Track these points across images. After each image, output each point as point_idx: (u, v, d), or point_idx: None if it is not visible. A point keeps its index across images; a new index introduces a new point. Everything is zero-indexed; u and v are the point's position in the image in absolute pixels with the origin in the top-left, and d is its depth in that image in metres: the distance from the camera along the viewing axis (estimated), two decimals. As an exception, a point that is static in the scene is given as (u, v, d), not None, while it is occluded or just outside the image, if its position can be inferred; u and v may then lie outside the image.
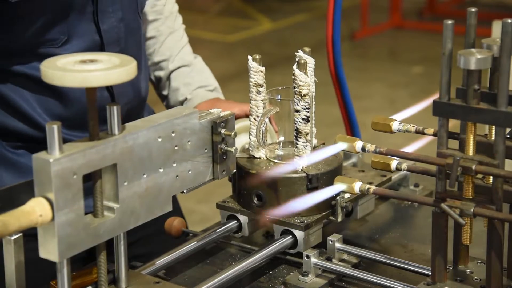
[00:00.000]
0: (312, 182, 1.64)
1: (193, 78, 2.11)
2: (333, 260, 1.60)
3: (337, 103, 2.12)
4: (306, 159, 1.66)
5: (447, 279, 1.46)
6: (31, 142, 1.80)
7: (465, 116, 1.37)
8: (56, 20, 1.72)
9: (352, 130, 2.14)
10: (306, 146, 1.67)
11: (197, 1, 9.36)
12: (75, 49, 1.75)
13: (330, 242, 1.61)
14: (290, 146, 1.73)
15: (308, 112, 1.65)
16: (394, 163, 1.49)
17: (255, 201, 1.67)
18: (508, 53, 1.32)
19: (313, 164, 1.67)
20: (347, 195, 1.67)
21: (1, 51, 1.74)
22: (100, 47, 1.80)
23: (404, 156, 1.46)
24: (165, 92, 2.11)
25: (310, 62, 1.68)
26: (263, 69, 1.68)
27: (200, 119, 1.52)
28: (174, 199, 2.16)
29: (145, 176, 1.40)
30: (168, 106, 2.11)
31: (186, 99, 2.08)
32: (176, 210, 2.16)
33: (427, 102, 1.50)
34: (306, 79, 1.64)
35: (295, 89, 1.65)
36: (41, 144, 1.38)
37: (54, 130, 1.24)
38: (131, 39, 1.86)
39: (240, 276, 1.57)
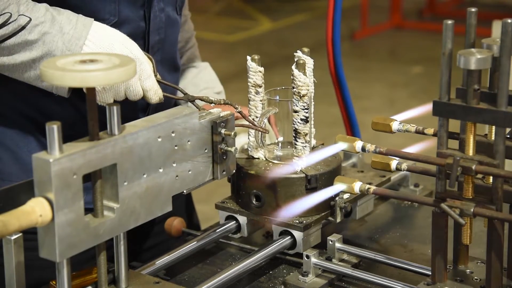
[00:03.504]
0: (311, 182, 1.64)
1: (201, 79, 2.13)
2: (333, 260, 1.60)
3: (337, 103, 2.12)
4: (305, 159, 1.66)
5: (447, 279, 1.46)
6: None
7: (465, 116, 1.37)
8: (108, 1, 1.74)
9: (352, 130, 2.14)
10: (305, 146, 1.67)
11: (197, 1, 9.35)
12: (123, 32, 1.76)
13: (330, 242, 1.61)
14: (289, 146, 1.73)
15: (307, 112, 1.65)
16: (394, 163, 1.49)
17: (254, 202, 1.66)
18: (508, 53, 1.32)
19: (312, 165, 1.67)
20: (346, 196, 1.67)
21: None
22: (144, 34, 1.82)
23: (404, 156, 1.46)
24: None
25: (309, 62, 1.68)
26: (261, 69, 1.68)
27: (200, 119, 1.52)
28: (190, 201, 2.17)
29: (145, 176, 1.40)
30: None
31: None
32: (191, 211, 2.17)
33: (430, 105, 1.49)
34: (305, 80, 1.64)
35: (294, 89, 1.65)
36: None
37: (54, 130, 1.24)
38: (169, 30, 1.89)
39: (240, 276, 1.57)
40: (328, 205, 1.66)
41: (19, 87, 1.77)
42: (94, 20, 1.67)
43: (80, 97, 1.77)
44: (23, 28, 1.60)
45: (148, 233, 2.02)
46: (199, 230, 1.80)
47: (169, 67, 1.92)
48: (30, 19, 1.61)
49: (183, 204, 2.11)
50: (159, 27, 1.84)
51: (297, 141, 1.67)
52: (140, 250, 2.00)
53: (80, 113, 1.78)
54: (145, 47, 1.82)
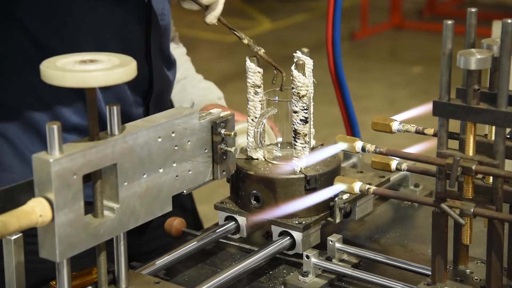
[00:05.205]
0: (310, 183, 1.64)
1: (200, 84, 2.14)
2: (333, 260, 1.60)
3: (337, 103, 2.12)
4: (304, 160, 1.66)
5: (447, 279, 1.46)
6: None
7: (465, 116, 1.37)
8: None
9: (352, 130, 2.14)
10: (305, 147, 1.67)
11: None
12: (128, 10, 1.79)
13: (330, 242, 1.61)
14: (288, 147, 1.73)
15: (306, 113, 1.65)
16: (394, 163, 1.49)
17: (253, 202, 1.66)
18: (508, 53, 1.32)
19: (312, 165, 1.67)
20: (345, 196, 1.67)
21: None
22: (148, 16, 1.83)
23: (404, 156, 1.46)
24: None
25: (309, 63, 1.68)
26: (260, 70, 1.68)
27: (200, 119, 1.52)
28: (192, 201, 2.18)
29: (145, 176, 1.40)
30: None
31: (193, 104, 2.11)
32: (193, 212, 2.17)
33: (430, 105, 1.49)
34: (304, 80, 1.63)
35: (293, 90, 1.64)
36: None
37: (54, 130, 1.24)
38: (167, 20, 1.91)
39: (240, 276, 1.57)
40: (327, 206, 1.66)
41: (35, 82, 1.78)
42: None
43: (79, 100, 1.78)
44: None
45: (148, 233, 2.02)
46: (201, 229, 1.80)
47: (161, 55, 1.93)
48: None
49: (183, 204, 2.12)
50: (162, 13, 1.86)
51: (296, 141, 1.67)
52: (140, 250, 2.00)
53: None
54: (146, 33, 1.84)
